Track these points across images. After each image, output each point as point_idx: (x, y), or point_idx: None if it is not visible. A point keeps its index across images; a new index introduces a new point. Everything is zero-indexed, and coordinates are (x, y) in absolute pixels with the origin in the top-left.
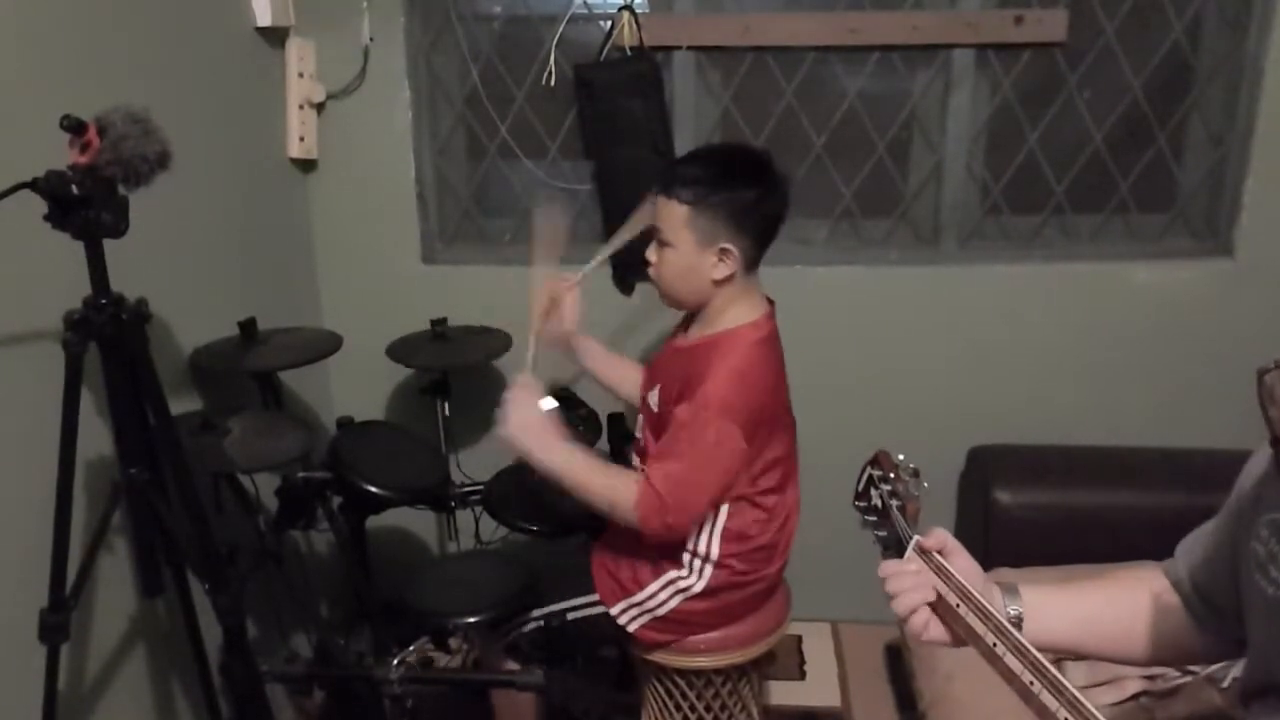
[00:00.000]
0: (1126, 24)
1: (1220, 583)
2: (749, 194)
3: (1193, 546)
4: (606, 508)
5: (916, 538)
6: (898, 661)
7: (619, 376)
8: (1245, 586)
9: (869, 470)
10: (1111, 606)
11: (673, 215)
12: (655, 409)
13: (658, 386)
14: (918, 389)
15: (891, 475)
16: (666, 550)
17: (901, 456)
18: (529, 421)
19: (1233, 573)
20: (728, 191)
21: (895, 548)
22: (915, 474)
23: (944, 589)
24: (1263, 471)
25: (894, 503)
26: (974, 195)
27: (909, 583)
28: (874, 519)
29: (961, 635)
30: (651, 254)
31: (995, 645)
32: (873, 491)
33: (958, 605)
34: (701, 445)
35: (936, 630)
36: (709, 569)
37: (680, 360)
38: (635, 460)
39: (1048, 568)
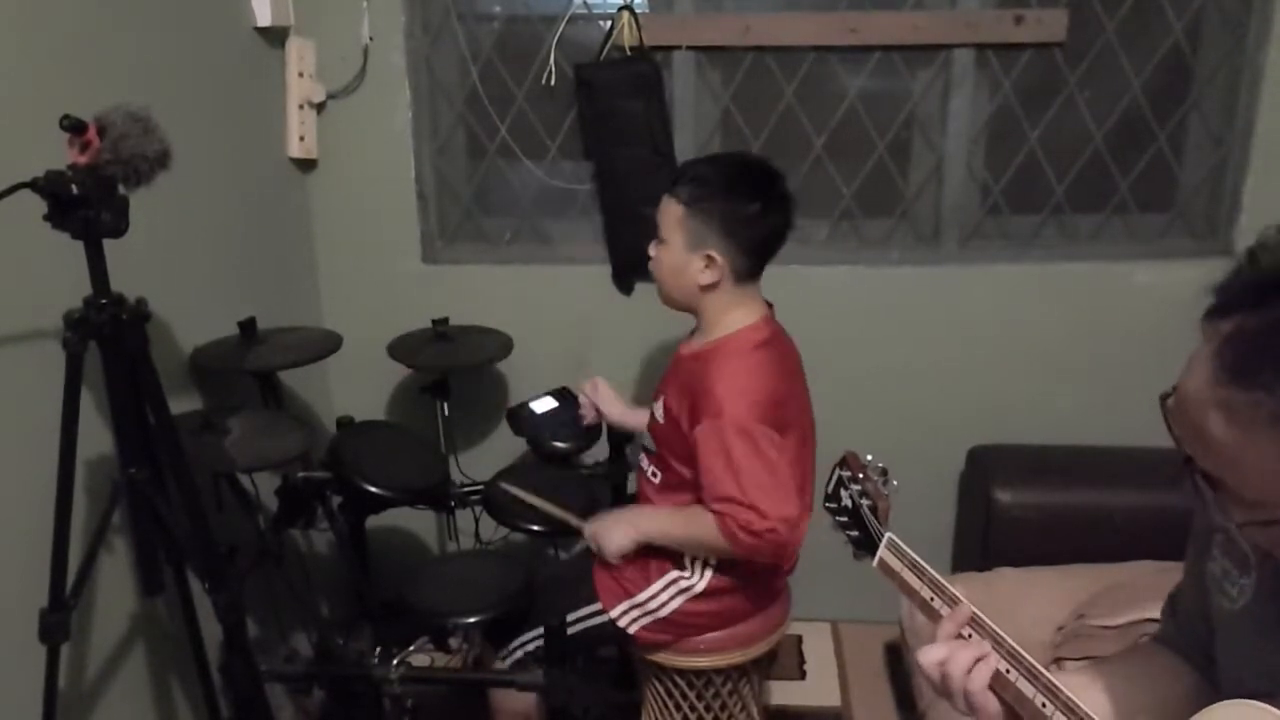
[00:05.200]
0: (1126, 24)
1: (1196, 611)
2: (745, 207)
3: (1175, 592)
4: (710, 548)
5: (883, 539)
6: (898, 661)
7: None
8: (1210, 607)
9: (838, 471)
10: (1134, 687)
11: (670, 213)
12: (660, 419)
13: (662, 397)
14: (918, 389)
15: (860, 475)
16: (668, 550)
17: (870, 456)
18: (608, 529)
19: (1202, 598)
20: (724, 200)
21: (867, 548)
22: (884, 473)
23: (997, 657)
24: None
25: (865, 503)
26: (974, 195)
27: (969, 655)
28: (845, 520)
29: (1009, 701)
30: (652, 249)
31: (1044, 706)
32: (843, 492)
33: (1007, 671)
34: (737, 454)
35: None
36: (709, 569)
37: (684, 369)
38: (643, 463)
39: (1048, 568)
